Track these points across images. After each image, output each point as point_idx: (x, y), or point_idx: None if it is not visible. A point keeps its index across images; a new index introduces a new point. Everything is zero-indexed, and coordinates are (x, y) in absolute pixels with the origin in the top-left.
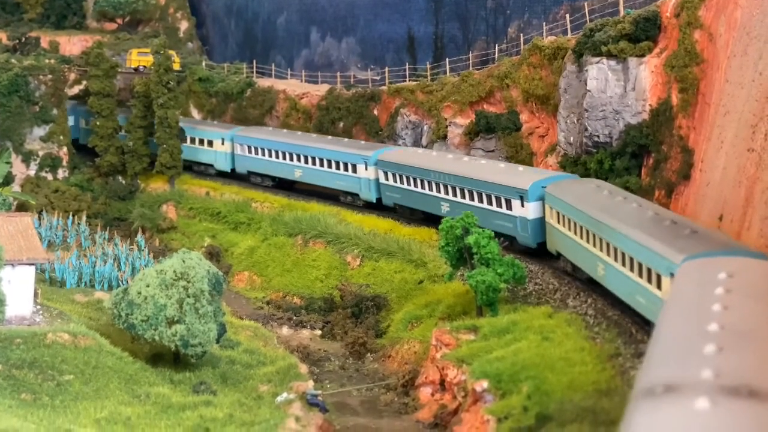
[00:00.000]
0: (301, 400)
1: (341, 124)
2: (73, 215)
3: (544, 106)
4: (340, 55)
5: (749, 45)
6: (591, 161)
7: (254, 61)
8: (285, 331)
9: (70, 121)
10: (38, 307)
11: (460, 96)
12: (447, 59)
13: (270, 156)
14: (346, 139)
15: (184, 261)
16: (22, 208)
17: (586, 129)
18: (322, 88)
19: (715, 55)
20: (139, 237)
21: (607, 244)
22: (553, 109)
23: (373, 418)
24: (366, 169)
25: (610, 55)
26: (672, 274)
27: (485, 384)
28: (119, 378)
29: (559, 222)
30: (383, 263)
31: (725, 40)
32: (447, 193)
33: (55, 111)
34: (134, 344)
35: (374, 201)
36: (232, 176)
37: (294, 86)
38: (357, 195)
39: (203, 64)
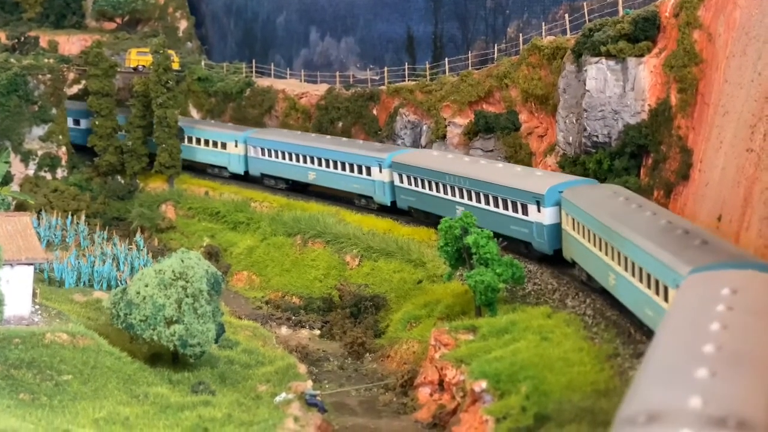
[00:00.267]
0: (299, 400)
1: (340, 124)
2: (72, 215)
3: (543, 106)
4: (340, 55)
5: (748, 45)
6: (590, 161)
7: (253, 61)
8: (284, 331)
9: (69, 122)
10: (37, 306)
11: (459, 96)
12: (446, 59)
13: (283, 158)
14: (360, 141)
15: (182, 261)
16: (20, 207)
17: (585, 129)
18: (321, 88)
19: (714, 55)
20: (138, 237)
21: (618, 253)
22: (552, 109)
23: (371, 418)
24: (380, 171)
25: (609, 55)
26: (678, 287)
27: (484, 384)
28: (118, 378)
29: (574, 229)
30: (382, 263)
31: (724, 40)
32: (462, 196)
33: (54, 110)
34: (133, 344)
35: (389, 204)
36: (246, 179)
37: (293, 86)
38: (371, 198)
39: (202, 63)
